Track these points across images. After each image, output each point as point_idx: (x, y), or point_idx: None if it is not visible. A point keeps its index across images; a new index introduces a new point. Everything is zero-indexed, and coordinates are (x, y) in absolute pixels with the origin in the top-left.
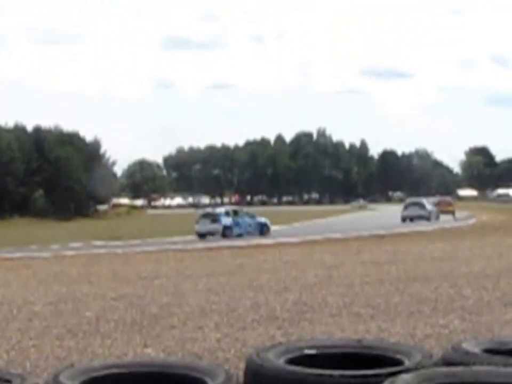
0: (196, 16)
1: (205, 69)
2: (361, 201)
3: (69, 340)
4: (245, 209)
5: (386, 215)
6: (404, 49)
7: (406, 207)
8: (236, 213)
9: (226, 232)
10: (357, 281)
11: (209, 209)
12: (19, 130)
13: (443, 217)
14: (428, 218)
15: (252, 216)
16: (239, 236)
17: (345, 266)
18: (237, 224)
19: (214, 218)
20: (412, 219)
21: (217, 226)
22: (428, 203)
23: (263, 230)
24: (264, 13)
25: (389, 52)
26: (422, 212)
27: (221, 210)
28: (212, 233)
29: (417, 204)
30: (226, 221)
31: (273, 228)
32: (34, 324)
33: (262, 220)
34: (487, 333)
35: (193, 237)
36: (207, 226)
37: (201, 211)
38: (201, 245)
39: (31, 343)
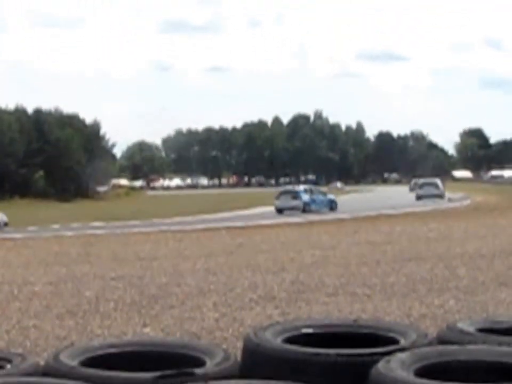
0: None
1: (203, 52)
2: (339, 184)
3: (69, 319)
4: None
5: (384, 196)
6: (400, 33)
7: (421, 187)
8: (311, 191)
9: (306, 208)
10: (353, 261)
11: (289, 187)
12: (19, 112)
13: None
14: (441, 197)
15: (324, 194)
16: (315, 211)
17: (342, 246)
18: (313, 201)
19: (295, 195)
20: (426, 198)
21: (298, 203)
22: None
23: (332, 206)
24: None
25: (385, 35)
26: (436, 191)
27: (300, 188)
28: (292, 209)
29: (432, 183)
30: (306, 197)
31: (271, 208)
32: (34, 304)
33: (332, 197)
34: (481, 312)
35: (192, 218)
36: (288, 202)
37: (282, 188)
38: (200, 225)
39: (31, 322)
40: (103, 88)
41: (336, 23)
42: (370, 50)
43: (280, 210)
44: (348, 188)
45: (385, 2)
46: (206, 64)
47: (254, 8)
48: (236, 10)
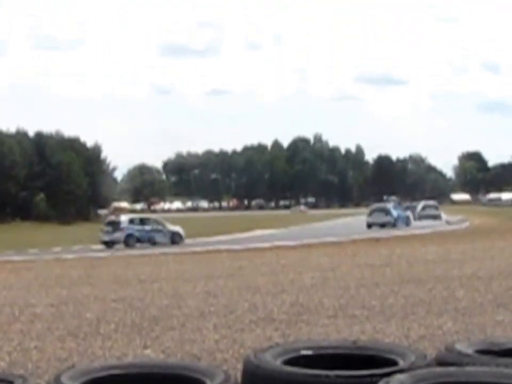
0: (194, 23)
1: (203, 75)
2: (302, 207)
3: (70, 341)
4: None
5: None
6: (398, 57)
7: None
8: (397, 207)
9: (395, 223)
10: (352, 283)
11: (381, 204)
12: (21, 135)
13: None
14: (393, 225)
15: (409, 208)
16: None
17: (341, 268)
18: (399, 217)
19: (387, 211)
20: (378, 225)
21: (389, 219)
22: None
23: (407, 222)
24: (261, 19)
25: (384, 59)
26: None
27: (390, 205)
28: (384, 225)
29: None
30: (395, 213)
31: (270, 231)
32: (36, 326)
33: (407, 214)
34: (479, 333)
35: (192, 241)
36: (381, 218)
37: (371, 206)
38: (201, 248)
39: (32, 344)
40: (104, 111)
41: (335, 46)
42: (369, 73)
43: (370, 226)
44: (350, 210)
45: (384, 26)
46: (206, 87)
47: (253, 32)
48: (235, 34)
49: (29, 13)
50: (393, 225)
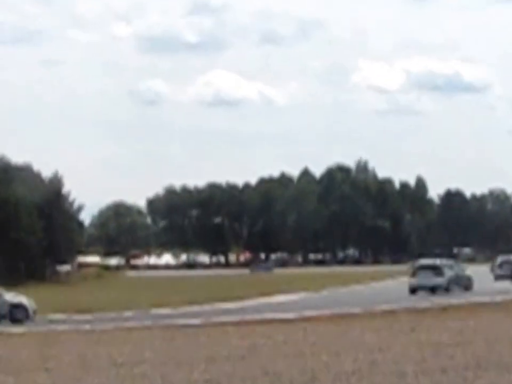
0: (186, 8)
1: (202, 80)
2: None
3: None
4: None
5: None
6: (472, 54)
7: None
8: (453, 265)
9: (449, 287)
10: (409, 369)
11: (429, 260)
12: None
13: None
14: (446, 289)
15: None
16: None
17: (394, 348)
18: (458, 277)
19: (438, 270)
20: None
21: (442, 280)
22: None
23: (468, 284)
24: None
25: (452, 57)
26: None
27: (443, 261)
28: (434, 288)
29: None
30: (450, 273)
31: (297, 296)
32: None
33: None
34: None
35: (187, 309)
36: (429, 279)
37: (416, 263)
38: (199, 320)
39: None
40: (65, 130)
41: (384, 39)
42: (431, 77)
43: (414, 290)
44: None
45: (452, 13)
46: (206, 95)
47: (270, 21)
48: (245, 21)
49: None
50: (446, 289)
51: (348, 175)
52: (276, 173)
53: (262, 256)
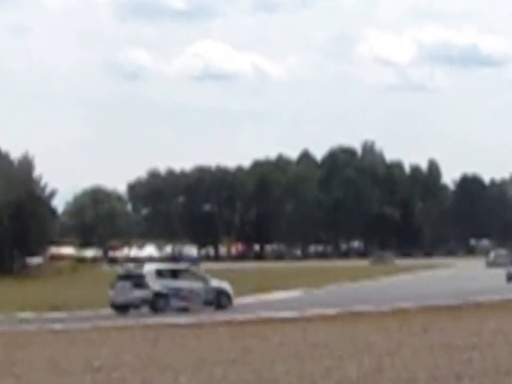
0: None
1: (190, 49)
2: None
3: None
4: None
5: (464, 276)
6: (491, 25)
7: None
8: None
9: None
10: (421, 375)
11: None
12: None
13: None
14: None
15: None
16: None
17: (404, 352)
18: None
19: None
20: None
21: None
22: None
23: None
24: None
25: (469, 28)
26: None
27: None
28: None
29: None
30: None
31: (295, 293)
32: None
33: None
34: None
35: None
36: None
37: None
38: (185, 319)
39: None
40: (36, 106)
41: (394, 3)
42: (446, 49)
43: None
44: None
45: None
46: (194, 68)
47: None
48: None
49: None
50: None
51: (352, 157)
52: (272, 155)
53: (256, 248)
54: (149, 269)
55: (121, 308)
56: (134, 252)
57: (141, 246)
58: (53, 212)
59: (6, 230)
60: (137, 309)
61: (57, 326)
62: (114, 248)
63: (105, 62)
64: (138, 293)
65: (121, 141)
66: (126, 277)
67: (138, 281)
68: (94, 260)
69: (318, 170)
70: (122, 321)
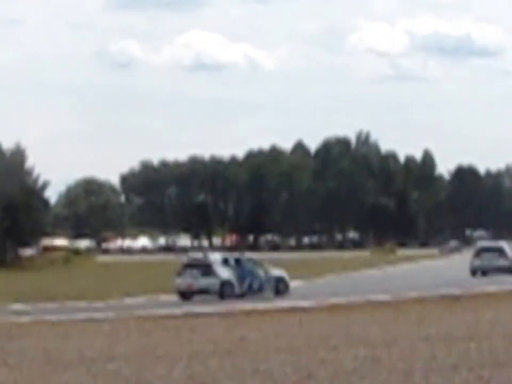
0: None
1: (180, 41)
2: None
3: None
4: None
5: (458, 266)
6: (484, 15)
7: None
8: None
9: None
10: (417, 366)
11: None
12: None
13: None
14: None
15: None
16: None
17: (400, 343)
18: None
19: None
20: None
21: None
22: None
23: None
24: None
25: (461, 18)
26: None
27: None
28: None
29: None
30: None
31: (291, 284)
32: None
33: None
34: None
35: (165, 298)
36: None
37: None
38: (180, 309)
39: None
40: (28, 96)
41: None
42: (439, 39)
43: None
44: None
45: None
46: (186, 58)
47: None
48: None
49: None
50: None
51: (347, 148)
52: (265, 146)
53: (250, 239)
54: (215, 257)
55: (187, 295)
56: (127, 243)
57: (134, 237)
58: (45, 203)
59: None
60: (203, 296)
61: (51, 318)
62: (107, 239)
63: (96, 52)
64: (206, 281)
65: (114, 132)
66: (194, 265)
67: (205, 269)
68: (87, 251)
69: (312, 161)
70: (115, 313)
